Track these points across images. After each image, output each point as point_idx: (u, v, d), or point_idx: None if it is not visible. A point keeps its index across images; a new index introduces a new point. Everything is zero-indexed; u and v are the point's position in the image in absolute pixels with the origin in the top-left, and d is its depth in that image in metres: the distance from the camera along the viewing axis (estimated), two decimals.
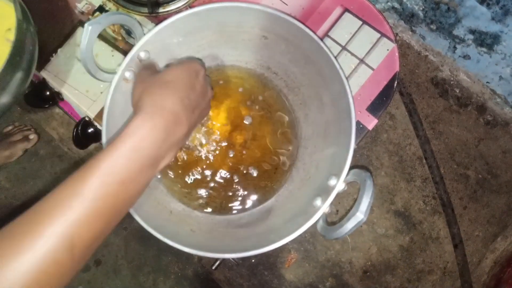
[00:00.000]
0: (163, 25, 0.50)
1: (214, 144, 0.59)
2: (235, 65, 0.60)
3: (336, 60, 0.49)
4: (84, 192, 0.33)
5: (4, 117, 0.66)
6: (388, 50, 0.59)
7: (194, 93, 0.43)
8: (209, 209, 0.58)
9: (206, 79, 0.47)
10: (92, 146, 0.61)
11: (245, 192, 0.59)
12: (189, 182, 0.59)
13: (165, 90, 0.41)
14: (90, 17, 0.61)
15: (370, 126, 0.59)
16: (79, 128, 0.59)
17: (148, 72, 0.46)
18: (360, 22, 0.59)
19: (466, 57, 0.87)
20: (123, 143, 0.35)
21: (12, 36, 0.53)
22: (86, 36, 0.47)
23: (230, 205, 0.58)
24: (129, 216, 0.48)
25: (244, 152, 0.59)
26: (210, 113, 0.59)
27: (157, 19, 0.60)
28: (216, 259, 0.73)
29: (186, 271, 0.95)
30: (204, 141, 0.59)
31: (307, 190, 0.54)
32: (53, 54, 0.60)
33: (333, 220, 0.51)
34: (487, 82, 0.91)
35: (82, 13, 0.62)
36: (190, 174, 0.59)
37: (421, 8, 0.81)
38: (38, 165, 0.96)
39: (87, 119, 0.60)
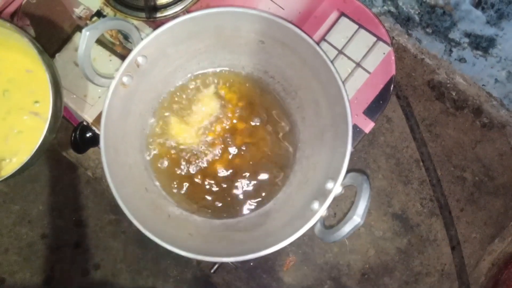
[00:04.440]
0: (160, 30, 0.50)
1: (211, 148, 0.59)
2: (232, 70, 0.60)
3: (333, 64, 0.49)
4: None
5: None
6: (384, 53, 0.59)
7: None
8: (207, 213, 0.58)
9: None
10: (90, 150, 0.61)
11: (243, 196, 0.59)
12: (186, 186, 0.59)
13: None
14: (88, 22, 0.62)
15: (367, 129, 0.59)
16: (77, 132, 0.59)
17: None
18: (357, 26, 0.60)
19: (462, 60, 0.88)
20: None
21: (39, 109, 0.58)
22: (84, 41, 0.48)
23: (228, 208, 0.59)
24: (127, 221, 0.48)
25: (241, 155, 0.59)
26: (209, 118, 0.59)
27: (155, 24, 0.60)
28: (215, 263, 0.73)
29: (185, 274, 0.95)
30: (201, 145, 0.59)
31: (305, 193, 0.55)
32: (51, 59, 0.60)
33: (331, 223, 0.51)
34: (483, 85, 0.92)
35: (80, 18, 0.62)
36: (187, 178, 0.59)
37: (417, 12, 0.81)
38: (36, 169, 0.96)
39: (85, 123, 0.60)
